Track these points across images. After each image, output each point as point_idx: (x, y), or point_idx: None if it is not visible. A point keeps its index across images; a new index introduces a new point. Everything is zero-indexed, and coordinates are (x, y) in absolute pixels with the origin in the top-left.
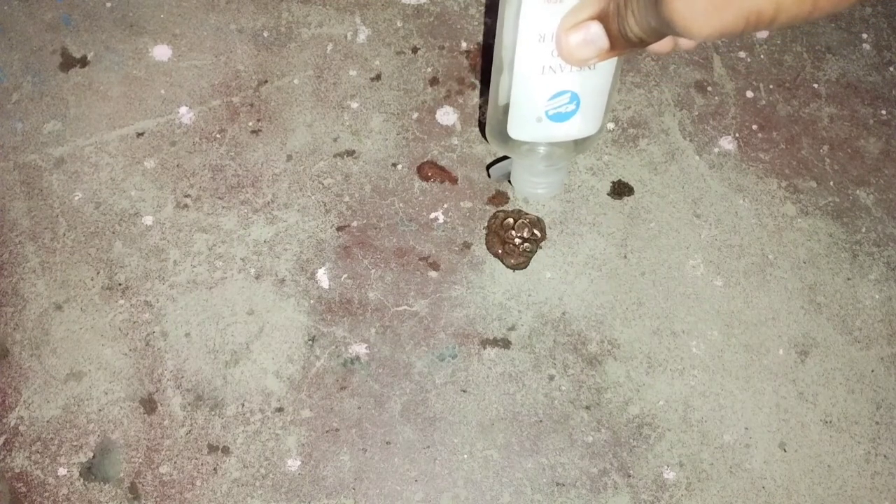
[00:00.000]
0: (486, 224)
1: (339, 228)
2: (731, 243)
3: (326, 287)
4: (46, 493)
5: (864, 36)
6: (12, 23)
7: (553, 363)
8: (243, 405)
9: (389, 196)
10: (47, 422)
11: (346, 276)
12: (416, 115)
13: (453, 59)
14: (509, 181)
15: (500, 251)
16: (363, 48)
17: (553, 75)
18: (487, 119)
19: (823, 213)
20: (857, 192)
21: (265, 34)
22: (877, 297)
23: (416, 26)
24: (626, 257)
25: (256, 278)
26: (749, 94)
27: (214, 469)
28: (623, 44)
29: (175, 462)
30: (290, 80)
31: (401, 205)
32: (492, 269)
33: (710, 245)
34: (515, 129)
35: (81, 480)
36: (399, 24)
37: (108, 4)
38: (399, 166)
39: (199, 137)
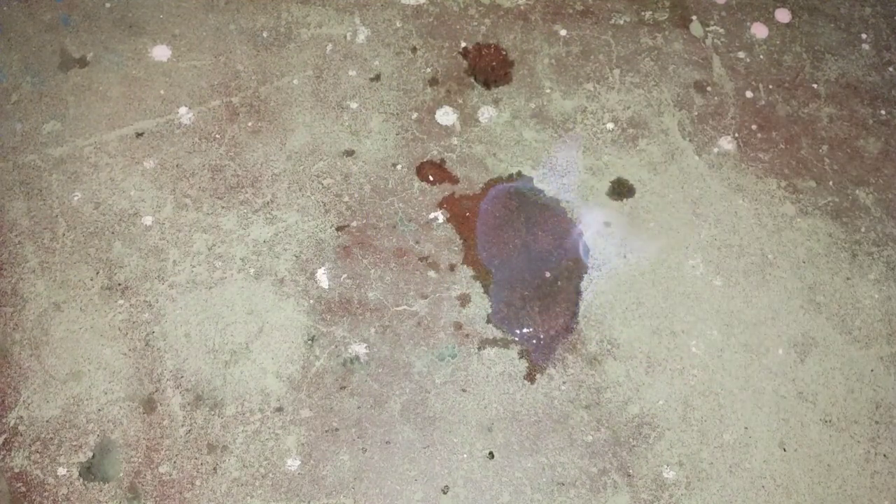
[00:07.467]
0: None
1: (338, 228)
2: (730, 243)
3: (326, 287)
4: (46, 493)
5: (864, 36)
6: (12, 23)
7: (552, 363)
8: (243, 405)
9: (389, 196)
10: (47, 421)
11: (345, 275)
12: (415, 115)
13: (453, 59)
14: None
15: None
16: (363, 48)
17: None
18: None
19: (823, 212)
20: (857, 191)
21: (264, 34)
22: (876, 296)
23: (416, 27)
24: (625, 257)
25: (256, 278)
26: (748, 94)
27: (214, 469)
28: None
29: (175, 462)
30: (290, 81)
31: (400, 205)
32: None
33: (709, 245)
34: None
35: (81, 480)
36: (398, 24)
37: (108, 5)
38: (398, 166)
39: (199, 138)
